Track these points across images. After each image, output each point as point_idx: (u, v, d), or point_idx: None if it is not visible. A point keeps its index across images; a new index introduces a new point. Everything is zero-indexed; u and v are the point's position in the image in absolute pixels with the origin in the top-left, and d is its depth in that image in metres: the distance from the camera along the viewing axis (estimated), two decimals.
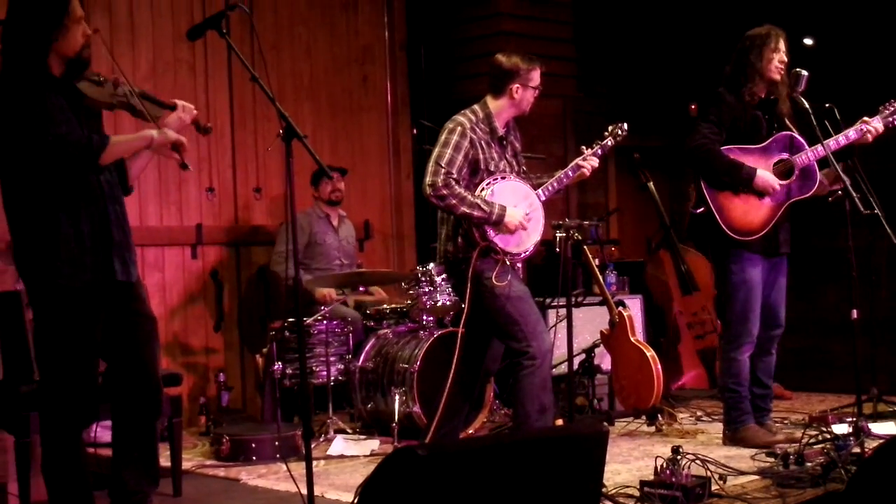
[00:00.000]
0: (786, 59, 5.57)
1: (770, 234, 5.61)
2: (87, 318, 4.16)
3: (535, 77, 5.27)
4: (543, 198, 5.31)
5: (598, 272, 6.63)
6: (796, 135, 5.62)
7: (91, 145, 4.05)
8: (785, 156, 5.61)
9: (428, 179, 5.06)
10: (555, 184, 5.35)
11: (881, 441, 4.85)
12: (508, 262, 5.14)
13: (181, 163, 4.27)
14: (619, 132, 5.51)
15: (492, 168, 5.18)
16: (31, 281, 4.16)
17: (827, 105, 5.68)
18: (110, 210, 4.20)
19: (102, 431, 5.77)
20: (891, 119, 5.60)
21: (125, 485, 4.36)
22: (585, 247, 6.52)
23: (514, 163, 5.35)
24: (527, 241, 5.22)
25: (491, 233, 5.08)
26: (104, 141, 4.10)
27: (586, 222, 6.93)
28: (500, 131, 5.25)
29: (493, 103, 5.26)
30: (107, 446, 5.03)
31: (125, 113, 4.38)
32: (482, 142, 5.17)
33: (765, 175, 5.52)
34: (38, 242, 4.07)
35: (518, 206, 5.15)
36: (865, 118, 5.58)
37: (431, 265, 6.51)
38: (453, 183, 5.03)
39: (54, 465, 4.19)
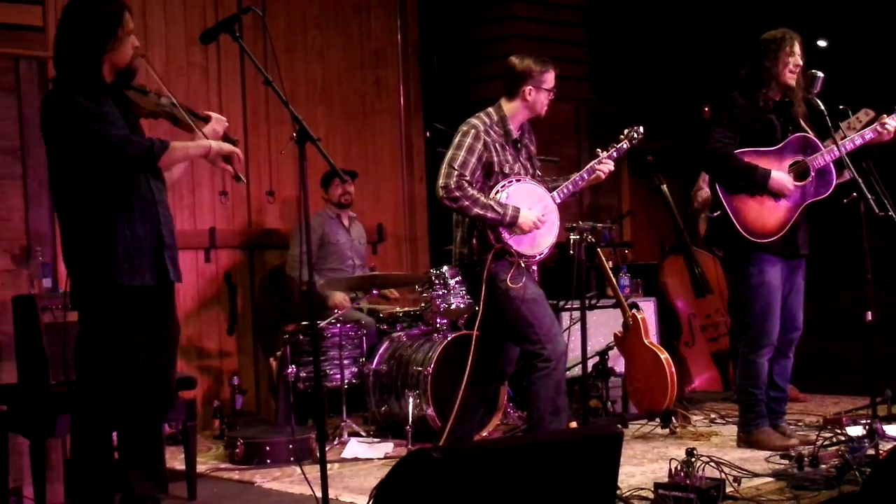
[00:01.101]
0: (801, 63, 5.55)
1: (788, 236, 5.59)
2: (141, 317, 4.23)
3: (549, 79, 5.27)
4: (558, 200, 5.32)
5: (611, 275, 6.62)
6: (811, 136, 5.60)
7: (152, 147, 4.18)
8: (800, 157, 5.60)
9: (441, 182, 5.07)
10: (570, 186, 5.35)
11: (895, 443, 4.85)
12: (523, 265, 5.14)
13: (235, 174, 4.38)
14: (635, 135, 5.52)
15: (506, 171, 5.18)
16: (85, 281, 4.20)
17: (841, 107, 5.68)
18: (160, 212, 4.30)
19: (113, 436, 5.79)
20: None
21: (134, 489, 4.38)
22: (599, 249, 6.51)
23: (529, 165, 5.35)
24: (541, 243, 5.22)
25: (505, 235, 5.09)
26: (164, 144, 4.21)
27: (600, 225, 6.91)
28: (515, 134, 5.25)
29: (507, 106, 5.27)
30: (118, 450, 5.04)
31: (162, 122, 4.48)
32: (496, 144, 5.17)
33: (779, 176, 5.51)
34: (96, 242, 4.15)
35: (533, 209, 5.15)
36: (882, 116, 5.57)
37: (445, 268, 6.51)
38: (466, 185, 5.03)
39: (86, 464, 4.21)
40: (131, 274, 4.17)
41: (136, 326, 4.22)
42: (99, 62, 4.18)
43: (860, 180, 5.36)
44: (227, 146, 4.34)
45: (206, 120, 4.43)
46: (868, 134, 5.54)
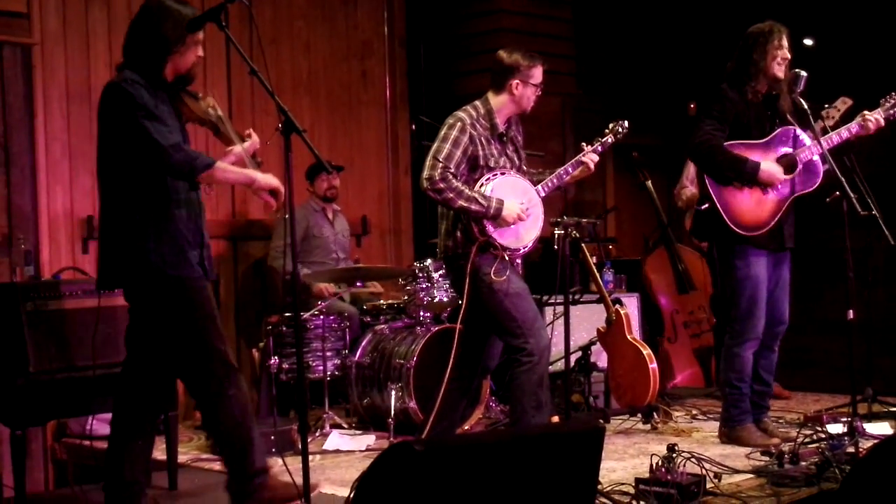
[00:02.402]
0: (789, 56, 5.57)
1: (775, 229, 5.60)
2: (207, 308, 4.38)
3: (536, 74, 5.27)
4: (543, 194, 5.32)
5: (595, 270, 6.63)
6: (799, 130, 5.62)
7: (197, 161, 4.23)
8: (788, 150, 5.61)
9: (425, 174, 5.07)
10: (554, 180, 5.36)
11: (875, 441, 4.86)
12: (507, 258, 5.14)
13: (276, 209, 4.46)
14: (620, 130, 5.53)
15: (491, 164, 5.18)
16: (126, 268, 4.30)
17: (826, 105, 5.70)
18: (201, 213, 4.42)
19: (98, 425, 5.78)
20: (892, 111, 5.61)
21: (123, 475, 4.40)
22: (583, 244, 6.52)
23: (516, 158, 5.35)
24: (526, 236, 5.23)
25: (490, 228, 5.09)
26: (210, 162, 4.25)
27: (584, 220, 6.92)
28: (501, 128, 5.25)
29: (493, 99, 5.27)
30: (103, 439, 5.03)
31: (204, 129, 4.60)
32: (482, 138, 5.17)
33: (769, 167, 5.52)
34: (145, 235, 4.24)
35: (517, 202, 5.15)
36: (865, 112, 5.59)
37: (429, 261, 6.52)
38: (450, 177, 5.03)
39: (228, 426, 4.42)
40: (181, 266, 4.28)
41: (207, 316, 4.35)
42: (164, 62, 4.32)
43: (843, 179, 5.38)
44: (274, 182, 4.37)
45: (241, 138, 4.56)
46: (854, 127, 5.56)
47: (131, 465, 4.41)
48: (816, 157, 5.56)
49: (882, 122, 5.57)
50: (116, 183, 4.29)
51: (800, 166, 5.58)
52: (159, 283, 4.27)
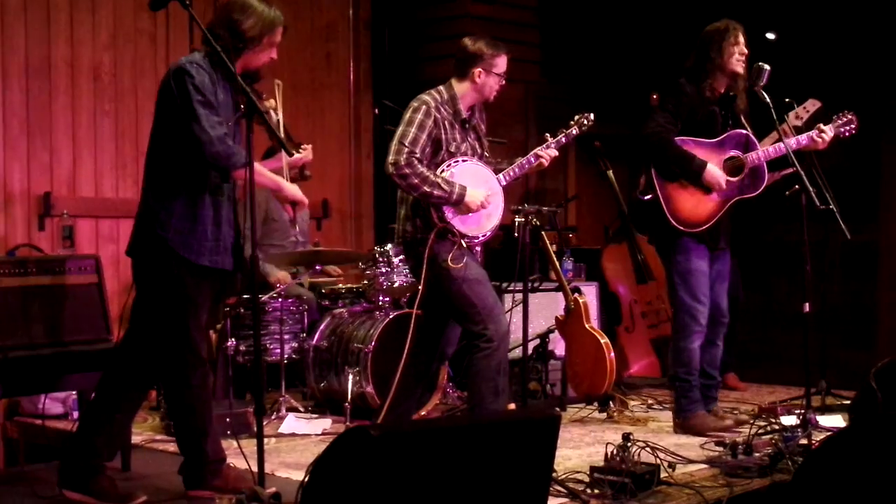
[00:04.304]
0: (746, 52, 5.61)
1: (712, 229, 5.66)
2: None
3: (500, 64, 5.25)
4: (503, 183, 5.32)
5: (555, 258, 6.64)
6: (751, 134, 5.67)
7: (236, 156, 4.29)
8: (738, 153, 5.66)
9: (391, 158, 5.06)
10: (515, 170, 5.36)
11: (828, 433, 4.91)
12: (466, 245, 5.14)
13: (291, 219, 4.67)
14: (585, 122, 5.54)
15: (452, 149, 5.17)
16: (149, 243, 4.37)
17: (787, 100, 5.74)
18: (232, 204, 4.49)
19: (51, 404, 5.74)
20: (842, 129, 5.73)
21: (93, 445, 4.43)
22: (543, 232, 6.53)
23: (478, 146, 5.34)
24: (485, 224, 5.22)
25: (449, 214, 5.08)
26: (246, 160, 4.24)
27: (545, 208, 6.93)
28: (464, 114, 5.24)
29: (457, 86, 5.26)
30: (55, 418, 5.00)
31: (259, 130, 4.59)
32: (446, 122, 5.16)
33: (714, 171, 5.58)
34: (170, 211, 4.32)
35: (478, 189, 5.14)
36: (820, 125, 5.67)
37: (389, 246, 6.50)
38: (416, 162, 5.02)
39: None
40: (192, 248, 4.33)
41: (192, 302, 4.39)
42: (238, 55, 4.40)
43: (802, 173, 5.42)
44: (300, 196, 4.55)
45: (296, 146, 4.75)
46: (804, 139, 5.63)
47: (102, 438, 4.45)
48: (763, 163, 5.62)
49: (830, 138, 5.67)
50: (161, 157, 4.38)
51: (746, 170, 5.63)
52: (164, 258, 4.32)
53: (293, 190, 4.56)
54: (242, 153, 4.27)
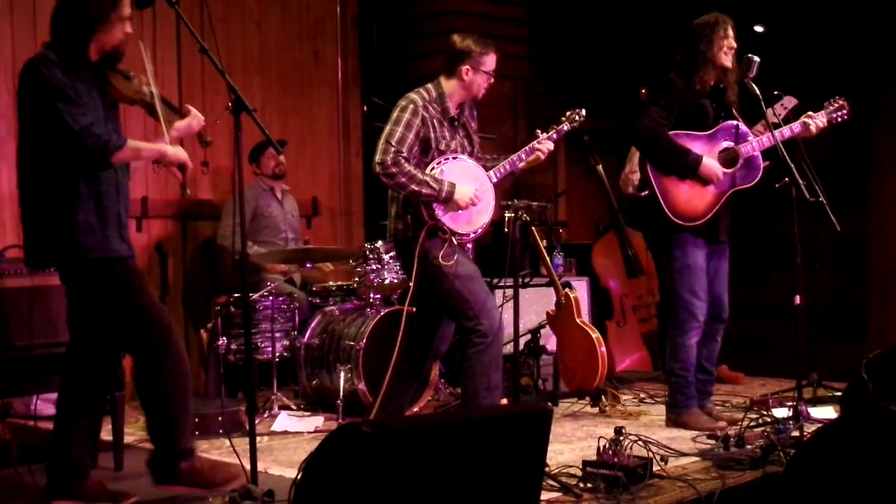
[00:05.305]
0: (735, 45, 5.62)
1: (711, 222, 5.66)
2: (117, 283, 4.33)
3: (488, 62, 5.24)
4: (495, 179, 5.31)
5: (545, 253, 6.64)
6: (742, 124, 5.67)
7: (109, 142, 4.19)
8: (730, 144, 5.66)
9: (378, 157, 5.05)
10: (507, 166, 5.35)
11: (819, 425, 4.92)
12: (456, 242, 5.13)
13: (182, 184, 4.46)
14: (577, 118, 5.53)
15: (442, 147, 5.17)
16: (50, 251, 4.30)
17: (776, 92, 5.75)
18: (122, 193, 4.39)
19: (43, 405, 5.71)
20: (834, 115, 5.72)
21: (69, 452, 4.38)
22: (533, 228, 6.53)
23: (467, 143, 5.33)
24: (476, 221, 5.22)
25: (439, 212, 5.08)
26: (121, 142, 4.21)
27: (535, 203, 6.93)
28: (453, 112, 5.23)
29: (445, 84, 5.25)
30: (48, 419, 4.96)
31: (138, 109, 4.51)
32: (434, 120, 5.16)
33: (710, 163, 5.58)
34: (59, 214, 4.22)
35: (468, 186, 5.14)
36: (810, 113, 5.67)
37: (379, 243, 6.50)
38: (403, 161, 5.01)
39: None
40: (103, 245, 4.26)
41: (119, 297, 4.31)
42: (87, 41, 4.26)
43: (792, 166, 5.43)
44: (183, 156, 4.38)
45: (182, 114, 4.47)
46: (796, 127, 5.63)
47: (76, 445, 4.38)
48: (758, 153, 5.63)
49: (823, 125, 5.66)
50: (36, 160, 4.27)
51: (741, 161, 5.63)
52: (85, 267, 4.26)
53: (175, 152, 4.37)
54: (114, 137, 4.21)
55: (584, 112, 5.53)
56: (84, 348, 4.42)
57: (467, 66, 5.20)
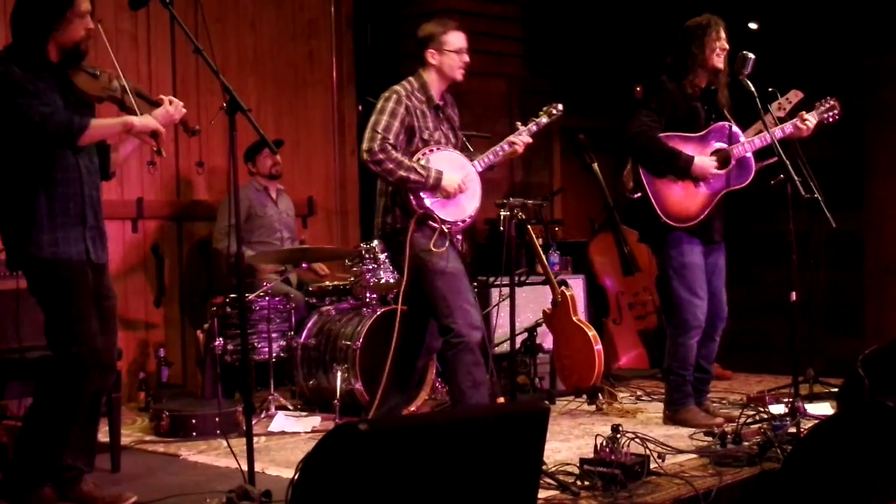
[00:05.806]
0: (727, 47, 5.62)
1: (705, 224, 5.67)
2: (70, 287, 4.25)
3: (451, 40, 5.23)
4: (479, 169, 5.31)
5: (541, 252, 6.64)
6: (734, 126, 5.68)
7: (72, 125, 4.13)
8: (723, 145, 5.67)
9: (365, 145, 5.07)
10: (490, 156, 5.36)
11: (816, 421, 4.93)
12: (446, 231, 5.12)
13: (157, 148, 4.32)
14: (554, 111, 5.55)
15: (426, 137, 5.17)
16: (10, 249, 4.27)
17: (770, 89, 5.75)
18: (86, 193, 4.30)
19: None
20: (825, 115, 5.74)
21: (60, 469, 4.35)
22: (529, 226, 6.53)
23: (451, 136, 5.34)
24: (465, 209, 5.21)
25: (428, 201, 5.08)
26: (84, 122, 4.16)
27: (530, 202, 6.93)
28: (437, 100, 5.24)
29: (424, 74, 5.27)
30: None
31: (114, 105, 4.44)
32: (418, 110, 5.17)
33: (702, 162, 5.59)
34: (16, 211, 4.19)
35: (455, 174, 5.15)
36: (802, 113, 5.68)
37: (375, 242, 6.50)
38: (389, 148, 5.02)
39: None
40: (52, 246, 4.19)
41: (74, 297, 4.24)
42: (44, 40, 4.21)
43: (787, 163, 5.43)
44: (152, 123, 4.28)
45: (156, 105, 4.40)
46: (788, 128, 5.64)
47: (71, 449, 4.35)
48: (749, 154, 5.63)
49: (813, 125, 5.67)
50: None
51: (733, 161, 5.64)
52: (33, 265, 4.23)
53: (143, 120, 4.27)
54: (77, 118, 4.15)
55: (560, 106, 5.53)
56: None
57: (431, 50, 5.22)
